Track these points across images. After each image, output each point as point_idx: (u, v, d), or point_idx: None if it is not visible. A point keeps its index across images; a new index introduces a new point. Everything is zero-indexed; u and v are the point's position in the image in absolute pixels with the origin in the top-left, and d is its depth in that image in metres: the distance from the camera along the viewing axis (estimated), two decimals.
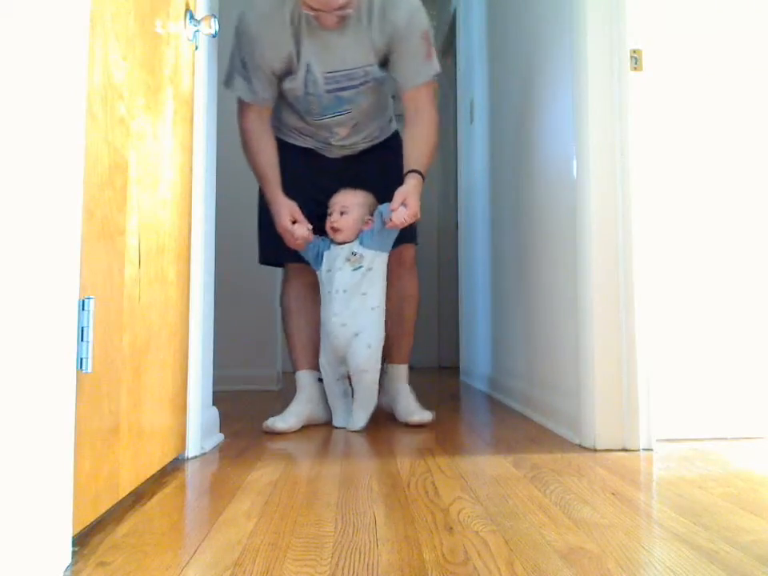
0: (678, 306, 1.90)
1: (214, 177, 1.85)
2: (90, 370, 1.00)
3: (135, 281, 1.24)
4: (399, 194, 1.96)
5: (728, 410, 1.88)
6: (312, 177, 2.16)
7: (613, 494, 1.32)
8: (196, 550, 1.01)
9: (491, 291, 3.08)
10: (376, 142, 2.24)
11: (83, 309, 0.99)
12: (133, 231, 1.22)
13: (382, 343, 2.05)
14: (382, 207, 1.99)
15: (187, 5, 1.61)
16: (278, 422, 1.99)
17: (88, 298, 1.00)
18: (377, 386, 2.06)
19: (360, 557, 0.98)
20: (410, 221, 1.97)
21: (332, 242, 2.05)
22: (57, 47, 0.92)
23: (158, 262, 1.38)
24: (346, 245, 2.03)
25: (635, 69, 1.81)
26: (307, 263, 2.11)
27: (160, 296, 1.40)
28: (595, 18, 1.83)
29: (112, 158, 1.12)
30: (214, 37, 1.70)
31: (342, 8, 1.89)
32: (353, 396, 2.09)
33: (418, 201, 1.99)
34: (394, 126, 2.31)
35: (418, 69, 2.05)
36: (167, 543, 1.06)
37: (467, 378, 3.64)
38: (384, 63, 2.05)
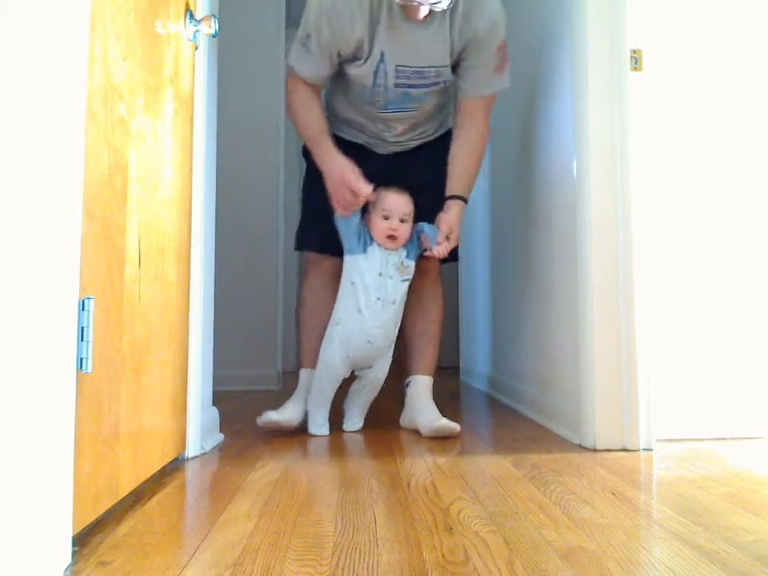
0: (677, 306, 1.90)
1: (214, 177, 1.85)
2: (89, 370, 1.00)
3: (135, 281, 1.24)
4: (446, 224, 1.91)
5: (728, 410, 1.88)
6: (361, 171, 1.96)
7: (613, 494, 1.32)
8: (196, 550, 1.01)
9: (491, 291, 3.08)
10: (429, 139, 2.14)
11: (83, 309, 0.99)
12: (133, 231, 1.22)
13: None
14: (427, 229, 1.92)
15: (187, 5, 1.61)
16: (273, 414, 1.95)
17: (88, 298, 1.00)
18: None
19: (360, 557, 0.98)
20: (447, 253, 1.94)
21: (372, 239, 1.93)
22: (57, 47, 0.92)
23: (157, 261, 1.38)
24: (396, 253, 1.93)
25: (635, 69, 1.81)
26: (329, 254, 2.03)
27: (160, 296, 1.40)
28: (595, 18, 1.83)
29: (112, 158, 1.12)
30: (214, 37, 1.70)
31: (438, 2, 1.78)
32: (347, 398, 2.04)
33: (458, 231, 1.94)
34: (450, 123, 2.17)
35: (487, 80, 1.97)
36: (167, 543, 1.06)
37: (467, 377, 3.64)
38: (454, 67, 1.97)
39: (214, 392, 1.88)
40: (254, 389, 3.12)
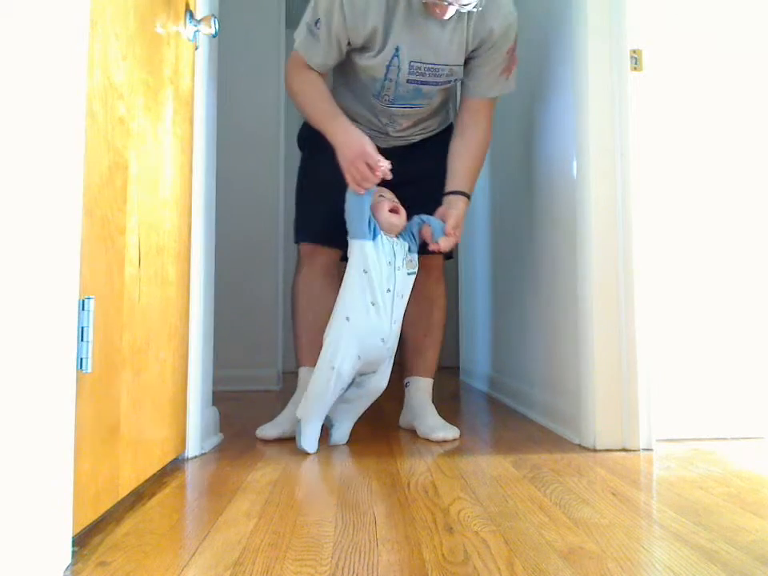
0: (677, 306, 1.90)
1: (214, 177, 1.85)
2: (90, 370, 1.00)
3: (135, 280, 1.24)
4: (454, 218, 1.82)
5: (728, 410, 1.88)
6: None
7: (613, 494, 1.32)
8: (196, 550, 1.01)
9: (491, 291, 3.08)
10: (431, 134, 2.08)
11: (83, 309, 0.99)
12: (133, 231, 1.22)
13: None
14: (432, 222, 1.81)
15: (187, 5, 1.61)
16: (270, 430, 1.88)
17: (88, 298, 1.00)
18: None
19: (360, 557, 0.98)
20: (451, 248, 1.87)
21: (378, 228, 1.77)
22: (57, 47, 0.92)
23: (157, 261, 1.38)
24: (400, 243, 1.79)
25: (635, 69, 1.81)
26: (323, 245, 1.94)
27: (160, 296, 1.40)
28: (595, 18, 1.83)
29: (112, 158, 1.12)
30: (214, 37, 1.70)
31: (468, 3, 1.72)
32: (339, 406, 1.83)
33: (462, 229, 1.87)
34: (451, 118, 2.13)
35: (495, 82, 1.92)
36: (167, 543, 1.06)
37: (467, 378, 3.64)
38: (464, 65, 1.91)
39: (213, 392, 1.88)
40: (253, 389, 3.12)
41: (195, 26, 1.63)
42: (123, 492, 1.20)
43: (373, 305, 1.71)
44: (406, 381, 2.08)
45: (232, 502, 1.26)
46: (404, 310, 1.80)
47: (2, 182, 0.81)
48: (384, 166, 1.71)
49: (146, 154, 1.31)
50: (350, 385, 1.78)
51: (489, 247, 3.10)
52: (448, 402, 2.88)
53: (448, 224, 1.81)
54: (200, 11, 1.69)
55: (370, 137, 1.97)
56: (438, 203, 1.89)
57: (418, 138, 2.07)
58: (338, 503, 1.26)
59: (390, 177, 1.72)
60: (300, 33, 1.86)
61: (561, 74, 2.06)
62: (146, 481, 1.34)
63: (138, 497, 1.28)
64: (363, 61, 1.87)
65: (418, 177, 1.94)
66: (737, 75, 1.95)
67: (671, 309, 1.89)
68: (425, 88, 1.91)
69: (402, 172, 1.79)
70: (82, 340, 0.99)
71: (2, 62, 0.81)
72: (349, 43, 1.83)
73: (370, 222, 1.75)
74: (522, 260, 2.53)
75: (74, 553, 0.97)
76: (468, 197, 1.91)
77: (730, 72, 1.95)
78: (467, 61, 1.91)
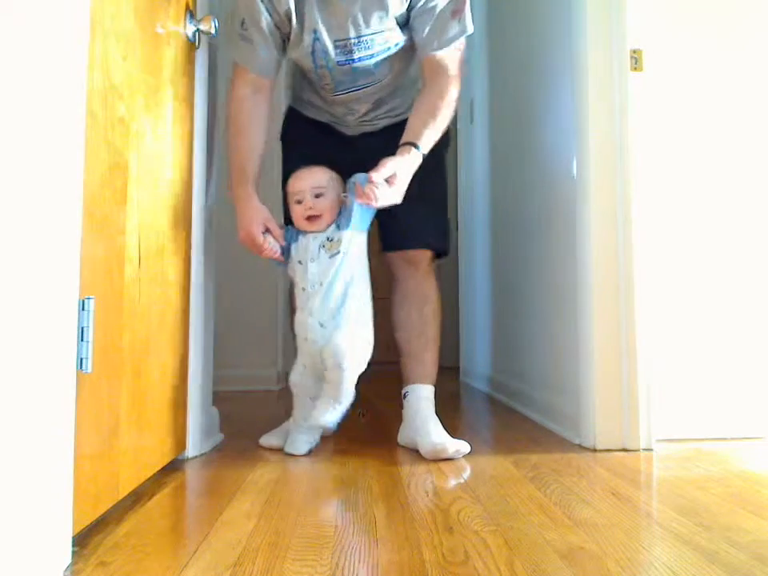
0: (678, 305, 1.90)
1: (214, 176, 1.85)
2: (90, 370, 1.00)
3: (135, 281, 1.24)
4: (389, 165, 1.56)
5: (728, 410, 1.87)
6: (328, 155, 1.76)
7: (613, 494, 1.32)
8: (196, 550, 1.01)
9: (491, 291, 3.08)
10: (400, 118, 1.83)
11: (83, 309, 0.99)
12: (133, 231, 1.22)
13: (371, 340, 1.67)
14: (360, 177, 1.58)
15: (187, 5, 1.61)
16: (273, 438, 1.78)
17: (88, 298, 1.00)
18: (353, 386, 1.64)
19: (360, 557, 0.98)
20: (387, 203, 1.58)
21: (299, 231, 1.68)
22: (57, 47, 0.92)
23: (157, 261, 1.38)
24: (319, 233, 1.65)
25: (635, 69, 1.81)
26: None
27: (160, 296, 1.40)
28: (595, 18, 1.83)
29: (112, 158, 1.12)
30: (214, 37, 1.70)
31: None
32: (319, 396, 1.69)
33: (407, 182, 1.60)
34: None
35: (443, 29, 1.69)
36: (167, 543, 1.06)
37: (467, 378, 3.63)
38: (405, 24, 1.72)
39: (214, 392, 1.88)
40: (253, 389, 3.12)
41: (195, 25, 1.63)
42: (123, 492, 1.20)
43: (299, 310, 1.66)
44: (404, 391, 1.84)
45: (232, 502, 1.26)
46: (330, 293, 1.61)
47: (3, 182, 0.81)
48: (270, 250, 1.65)
49: (146, 154, 1.31)
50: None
51: (489, 247, 3.10)
52: (448, 403, 2.88)
53: (374, 171, 1.55)
54: (200, 11, 1.69)
55: (334, 123, 1.88)
56: (422, 197, 1.70)
57: (384, 122, 1.87)
58: (338, 503, 1.26)
59: (278, 255, 1.67)
60: (233, 45, 1.74)
61: (561, 74, 2.06)
62: (146, 481, 1.34)
63: (138, 497, 1.28)
64: (292, 53, 1.75)
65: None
66: (737, 75, 1.95)
67: (671, 308, 1.89)
68: (360, 65, 1.73)
69: (373, 161, 1.59)
70: (81, 340, 0.99)
71: (3, 63, 0.81)
72: (280, 31, 1.71)
73: (288, 239, 1.68)
74: (522, 260, 2.53)
75: (73, 553, 0.97)
76: (417, 146, 1.63)
77: (730, 72, 1.95)
78: (408, 16, 1.71)
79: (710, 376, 1.89)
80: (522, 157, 2.53)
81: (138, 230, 1.25)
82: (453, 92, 1.70)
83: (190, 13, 1.61)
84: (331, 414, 1.63)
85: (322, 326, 1.62)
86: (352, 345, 1.61)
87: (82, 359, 0.99)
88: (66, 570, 0.93)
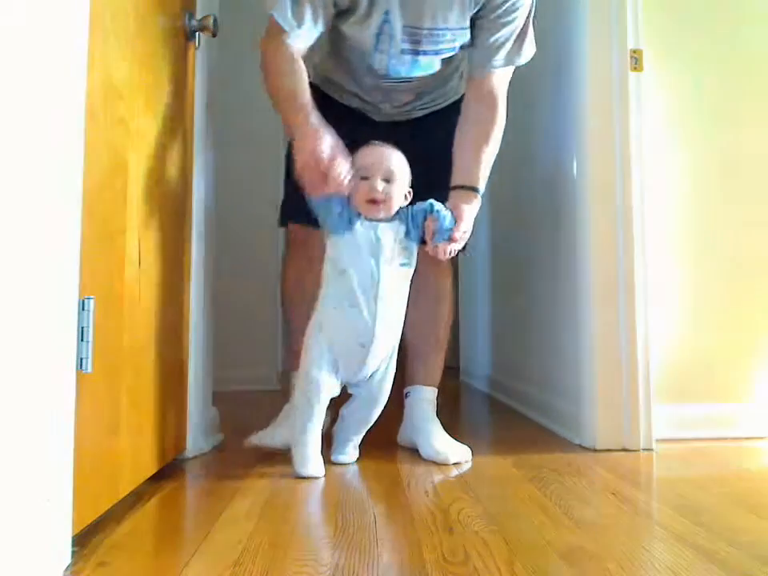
0: (677, 305, 1.90)
1: (214, 176, 1.85)
2: (89, 370, 1.00)
3: (135, 280, 1.24)
4: (466, 218, 1.51)
5: (728, 410, 1.88)
6: (353, 143, 1.50)
7: (613, 493, 1.32)
8: (196, 550, 1.01)
9: (491, 291, 3.08)
10: (437, 107, 1.77)
11: (83, 309, 0.99)
12: (133, 231, 1.22)
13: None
14: (442, 216, 1.47)
15: (187, 5, 1.61)
16: (265, 438, 1.62)
17: (88, 298, 1.00)
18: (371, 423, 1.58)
19: (360, 557, 0.98)
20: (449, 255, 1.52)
21: (358, 214, 1.46)
22: (57, 47, 0.91)
23: (157, 261, 1.38)
24: (389, 226, 1.46)
25: (635, 69, 1.81)
26: (315, 226, 1.51)
27: (160, 296, 1.40)
28: (595, 18, 1.83)
29: (112, 158, 1.12)
30: (213, 37, 1.70)
31: None
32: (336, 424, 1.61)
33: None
34: (462, 87, 1.75)
35: (502, 48, 1.61)
36: (167, 543, 1.06)
37: (467, 378, 3.63)
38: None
39: (213, 392, 1.87)
40: (253, 389, 3.12)
41: (195, 25, 1.63)
42: (123, 492, 1.20)
43: (351, 307, 1.44)
44: (406, 390, 1.78)
45: (232, 502, 1.26)
46: (399, 309, 1.50)
47: (3, 182, 0.81)
48: (337, 177, 1.38)
49: (146, 154, 1.31)
50: (349, 399, 1.59)
51: (489, 247, 3.10)
52: (448, 403, 2.88)
53: (458, 226, 1.48)
54: (200, 11, 1.69)
55: (363, 109, 1.75)
56: (446, 188, 1.58)
57: (421, 113, 1.78)
58: (338, 503, 1.26)
59: (346, 191, 1.42)
60: (277, 3, 1.52)
61: (561, 74, 2.06)
62: (146, 481, 1.34)
63: (138, 497, 1.28)
64: (351, 29, 1.58)
65: (423, 157, 1.57)
66: (737, 75, 1.95)
67: (671, 308, 1.89)
68: (423, 59, 1.62)
69: (406, 148, 1.51)
70: (81, 340, 0.99)
71: (2, 63, 0.81)
72: (335, 4, 1.54)
73: (344, 211, 1.45)
74: (522, 260, 2.53)
75: (73, 553, 0.97)
76: (477, 191, 1.59)
77: (729, 72, 1.95)
78: (472, 23, 1.61)
79: (710, 376, 1.89)
80: (521, 157, 2.53)
81: (137, 230, 1.25)
82: (503, 117, 1.64)
83: (190, 13, 1.61)
84: (354, 452, 1.59)
85: (386, 338, 1.47)
86: (392, 373, 1.53)
87: (81, 359, 0.99)
88: (66, 570, 0.93)
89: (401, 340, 1.56)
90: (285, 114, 1.52)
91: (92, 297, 1.01)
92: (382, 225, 1.45)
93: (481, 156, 1.60)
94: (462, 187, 1.56)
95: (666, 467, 1.59)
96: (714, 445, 1.78)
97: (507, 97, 1.68)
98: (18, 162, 0.83)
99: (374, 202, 1.44)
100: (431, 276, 1.72)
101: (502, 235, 2.88)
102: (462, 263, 3.78)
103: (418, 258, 1.52)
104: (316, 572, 0.92)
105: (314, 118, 1.47)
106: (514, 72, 1.71)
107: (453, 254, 1.52)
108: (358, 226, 1.45)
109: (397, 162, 1.47)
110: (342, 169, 1.39)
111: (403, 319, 1.53)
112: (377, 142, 1.49)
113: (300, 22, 1.52)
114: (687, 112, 1.94)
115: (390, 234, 1.45)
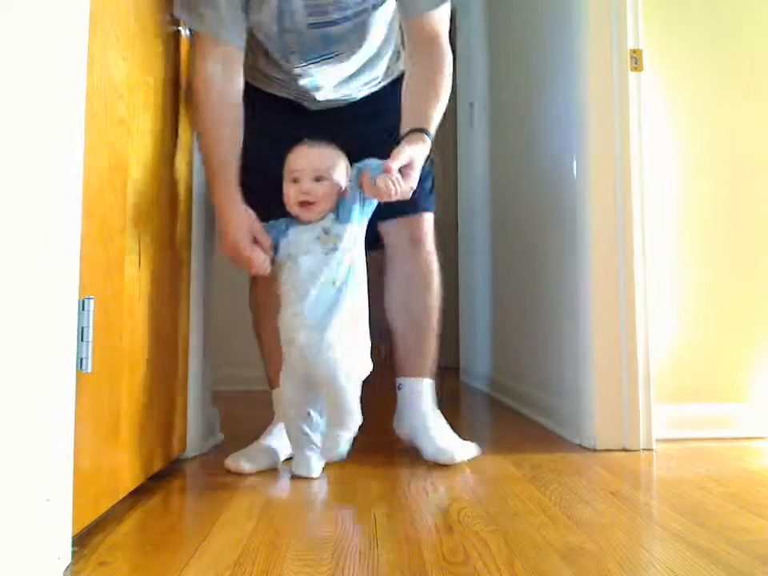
0: (677, 305, 1.90)
1: None
2: (89, 370, 1.00)
3: (135, 280, 1.24)
4: (405, 152, 1.38)
5: (728, 410, 1.88)
6: (289, 134, 1.48)
7: (613, 493, 1.32)
8: (196, 550, 1.01)
9: (491, 291, 3.08)
10: (375, 88, 1.67)
11: (83, 309, 0.99)
12: (132, 231, 1.22)
13: (366, 351, 1.47)
14: (371, 165, 1.38)
15: None
16: (243, 461, 1.49)
17: (88, 298, 1.00)
18: (358, 405, 1.46)
19: (360, 557, 0.98)
20: (400, 197, 1.38)
21: (291, 220, 1.46)
22: (57, 47, 0.92)
23: (157, 261, 1.38)
24: (313, 225, 1.43)
25: (635, 69, 1.81)
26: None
27: (160, 296, 1.40)
28: (595, 18, 1.83)
29: (112, 158, 1.12)
30: None
31: None
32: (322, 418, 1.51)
33: (419, 172, 1.43)
34: (401, 65, 1.67)
35: None
36: (167, 543, 1.06)
37: (467, 378, 3.63)
38: None
39: (213, 392, 1.88)
40: (253, 389, 3.12)
41: None
42: (123, 492, 1.20)
43: (287, 310, 1.44)
44: (398, 383, 1.69)
45: (232, 502, 1.26)
46: (324, 295, 1.39)
47: (3, 182, 0.81)
48: (260, 265, 1.44)
49: (146, 154, 1.31)
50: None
51: (489, 247, 3.10)
52: (448, 402, 2.88)
53: (391, 160, 1.36)
54: None
55: (296, 99, 1.66)
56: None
57: (359, 96, 1.68)
58: (338, 503, 1.26)
59: (268, 270, 1.45)
60: (194, 15, 1.45)
61: (561, 74, 2.06)
62: (146, 481, 1.34)
63: (138, 497, 1.28)
64: (254, 15, 1.48)
65: (371, 141, 1.50)
66: (736, 75, 1.95)
67: (671, 308, 1.89)
68: (334, 30, 1.50)
69: (345, 138, 1.45)
70: (82, 340, 0.99)
71: (3, 63, 0.81)
72: None
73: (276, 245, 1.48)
74: (522, 260, 2.53)
75: (73, 553, 0.97)
76: (428, 132, 1.46)
77: (729, 71, 1.95)
78: None
79: (710, 376, 1.89)
80: (521, 157, 2.53)
81: (137, 230, 1.25)
82: (449, 61, 1.53)
83: None
84: (343, 447, 1.44)
85: (311, 329, 1.39)
86: (347, 353, 1.41)
87: (81, 359, 0.99)
88: (65, 569, 0.93)
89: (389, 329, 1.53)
90: (210, 176, 1.50)
91: (92, 297, 1.01)
92: (307, 227, 1.43)
93: (431, 102, 1.50)
94: (414, 130, 1.46)
95: (666, 467, 1.59)
96: (714, 445, 1.78)
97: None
98: (18, 161, 0.83)
99: (303, 204, 1.42)
100: (407, 255, 1.64)
101: (501, 236, 2.88)
102: (462, 264, 3.78)
103: (390, 245, 1.52)
104: (316, 572, 0.92)
105: (236, 191, 1.46)
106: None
107: (399, 193, 1.37)
108: (286, 239, 1.45)
109: (327, 159, 1.44)
110: (259, 259, 1.44)
111: (353, 304, 1.43)
112: (307, 140, 1.45)
113: (220, 19, 1.44)
114: (687, 112, 1.94)
115: (311, 233, 1.42)
